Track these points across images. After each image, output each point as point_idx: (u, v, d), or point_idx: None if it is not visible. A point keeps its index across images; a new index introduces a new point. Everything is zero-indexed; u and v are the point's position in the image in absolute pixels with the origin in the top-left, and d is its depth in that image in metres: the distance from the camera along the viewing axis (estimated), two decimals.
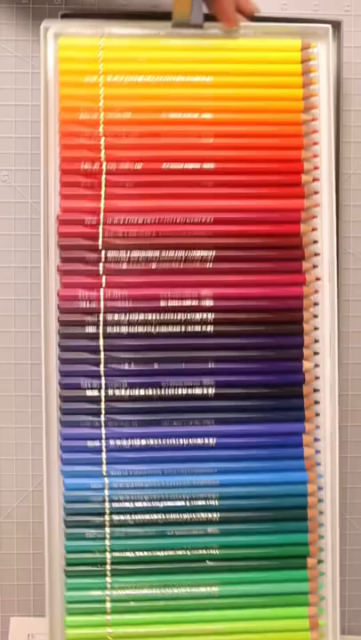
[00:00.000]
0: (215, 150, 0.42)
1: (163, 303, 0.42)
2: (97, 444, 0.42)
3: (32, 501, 0.46)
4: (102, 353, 0.42)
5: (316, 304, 0.43)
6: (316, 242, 0.43)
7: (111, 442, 0.42)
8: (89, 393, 0.42)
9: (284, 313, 0.42)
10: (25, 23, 0.46)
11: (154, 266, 0.42)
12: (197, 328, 0.42)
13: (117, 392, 0.42)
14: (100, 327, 0.42)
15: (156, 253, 0.42)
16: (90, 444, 0.42)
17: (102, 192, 0.42)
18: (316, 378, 0.43)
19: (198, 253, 0.42)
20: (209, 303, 0.42)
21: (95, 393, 0.42)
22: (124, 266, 0.42)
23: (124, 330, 0.42)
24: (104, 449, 0.42)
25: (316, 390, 0.43)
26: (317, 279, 0.43)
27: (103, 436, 0.42)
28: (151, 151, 0.42)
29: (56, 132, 0.42)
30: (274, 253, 0.43)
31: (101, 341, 0.42)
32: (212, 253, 0.42)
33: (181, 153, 0.42)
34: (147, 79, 0.42)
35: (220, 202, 0.42)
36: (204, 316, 0.42)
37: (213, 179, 0.42)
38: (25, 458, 0.46)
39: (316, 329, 0.43)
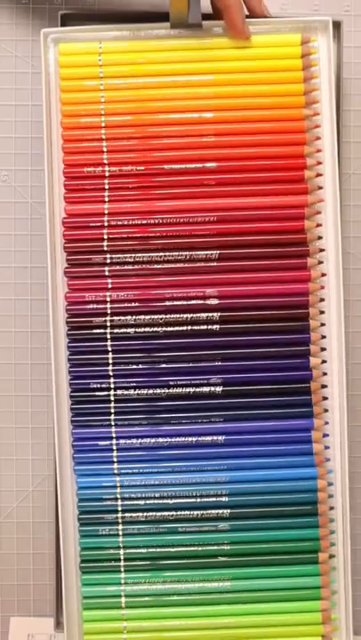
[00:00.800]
0: (217, 149, 0.42)
1: (168, 303, 0.42)
2: (108, 443, 0.42)
3: (32, 501, 0.47)
4: (110, 354, 0.42)
5: (322, 300, 0.43)
6: (320, 238, 0.43)
7: (122, 441, 0.42)
8: (99, 394, 0.42)
9: (290, 310, 0.43)
10: (25, 23, 0.46)
11: (159, 267, 0.42)
12: (203, 327, 0.42)
13: (126, 392, 0.42)
14: (108, 329, 0.42)
15: (161, 254, 0.42)
16: (101, 443, 0.43)
17: (106, 195, 0.42)
18: (324, 374, 0.43)
19: (203, 253, 0.42)
20: (214, 302, 0.42)
21: (105, 394, 0.42)
22: (130, 267, 0.43)
23: (132, 331, 0.42)
24: (115, 448, 0.42)
25: (324, 386, 0.43)
26: (323, 275, 0.43)
27: (114, 436, 0.42)
28: (153, 152, 0.42)
29: (59, 137, 0.43)
30: (278, 250, 0.42)
31: (109, 343, 0.42)
32: (216, 252, 0.42)
33: (183, 153, 0.42)
34: (147, 81, 0.42)
35: (224, 200, 0.42)
36: (210, 314, 0.42)
37: (216, 177, 0.42)
38: (25, 458, 0.47)
39: (322, 325, 0.43)
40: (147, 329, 0.42)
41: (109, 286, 0.42)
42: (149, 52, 0.42)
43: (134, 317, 0.42)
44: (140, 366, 0.42)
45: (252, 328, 0.42)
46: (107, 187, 0.43)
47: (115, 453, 0.42)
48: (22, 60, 0.47)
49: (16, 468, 0.47)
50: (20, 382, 0.47)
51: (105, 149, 0.42)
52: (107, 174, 0.42)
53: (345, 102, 0.46)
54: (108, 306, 0.42)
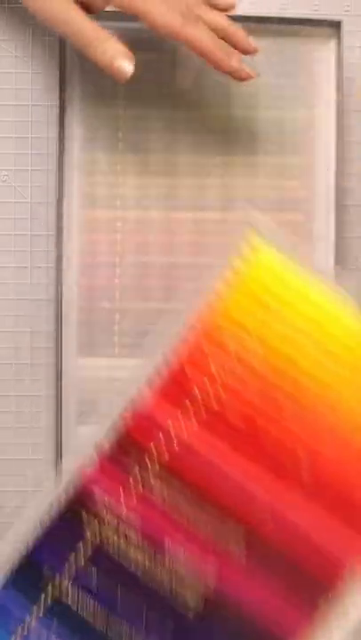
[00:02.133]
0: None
1: (165, 546, 0.37)
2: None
3: None
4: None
5: None
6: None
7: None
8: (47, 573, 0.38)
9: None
10: (25, 23, 0.45)
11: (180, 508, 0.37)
12: (181, 600, 0.37)
13: (71, 598, 0.38)
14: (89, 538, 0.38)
15: (187, 498, 0.37)
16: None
17: None
18: None
19: (226, 527, 0.37)
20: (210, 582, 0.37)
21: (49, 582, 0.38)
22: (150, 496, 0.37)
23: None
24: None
25: None
26: None
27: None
28: None
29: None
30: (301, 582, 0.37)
31: (83, 553, 0.38)
32: (242, 541, 0.37)
33: None
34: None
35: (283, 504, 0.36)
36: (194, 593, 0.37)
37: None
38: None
39: None
40: (125, 562, 0.38)
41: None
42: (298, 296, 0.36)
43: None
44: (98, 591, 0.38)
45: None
46: None
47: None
48: (22, 60, 0.46)
49: None
50: (21, 382, 0.46)
51: None
52: None
53: (345, 103, 0.46)
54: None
